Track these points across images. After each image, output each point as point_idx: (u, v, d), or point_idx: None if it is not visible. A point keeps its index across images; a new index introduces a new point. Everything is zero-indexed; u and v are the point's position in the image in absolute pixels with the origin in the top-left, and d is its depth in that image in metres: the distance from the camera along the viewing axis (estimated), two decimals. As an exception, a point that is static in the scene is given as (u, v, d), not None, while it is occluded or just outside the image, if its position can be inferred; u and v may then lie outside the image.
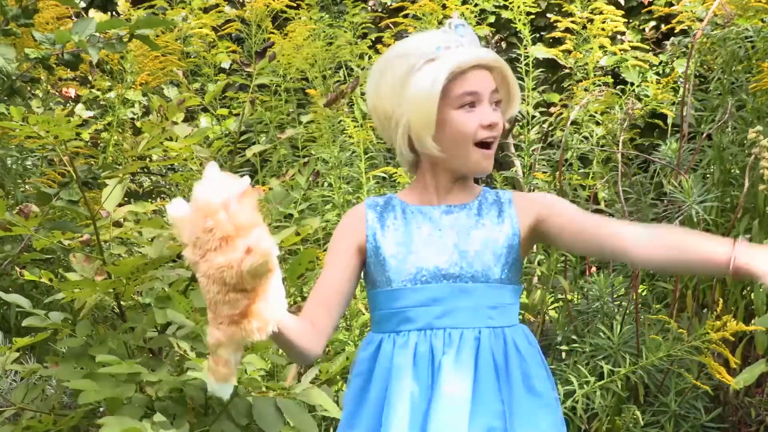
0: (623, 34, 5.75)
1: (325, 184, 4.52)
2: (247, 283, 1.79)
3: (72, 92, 5.36)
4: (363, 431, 2.17)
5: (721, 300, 3.57)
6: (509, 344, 2.15)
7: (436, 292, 2.15)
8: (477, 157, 2.16)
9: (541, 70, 4.84)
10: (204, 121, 5.22)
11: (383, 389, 2.16)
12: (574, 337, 3.82)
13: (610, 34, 4.61)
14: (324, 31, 5.01)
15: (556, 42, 5.04)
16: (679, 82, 4.43)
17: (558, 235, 2.20)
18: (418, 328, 2.16)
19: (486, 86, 2.16)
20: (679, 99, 4.18)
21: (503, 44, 6.12)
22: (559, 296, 4.11)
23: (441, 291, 2.15)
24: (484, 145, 2.16)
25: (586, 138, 4.38)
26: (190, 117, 5.27)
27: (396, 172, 4.19)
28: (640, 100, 4.49)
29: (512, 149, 4.60)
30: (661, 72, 5.22)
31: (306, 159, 4.55)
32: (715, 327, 3.27)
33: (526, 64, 4.54)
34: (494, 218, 2.19)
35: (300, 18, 4.99)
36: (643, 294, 3.93)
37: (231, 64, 5.72)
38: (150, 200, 4.95)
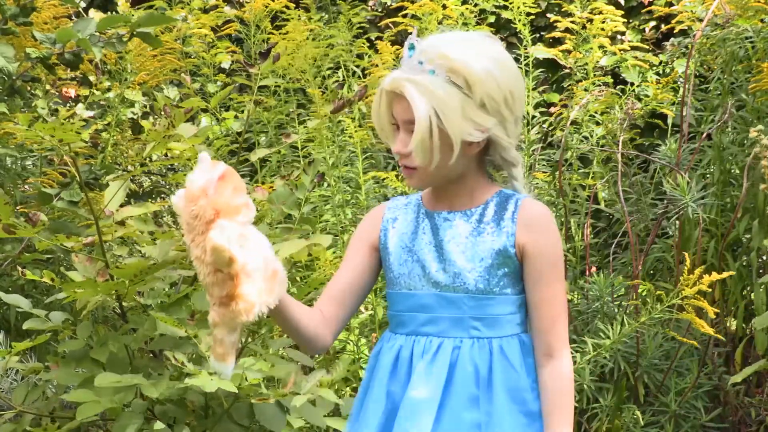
0: (623, 34, 5.75)
1: (324, 184, 4.52)
2: (222, 270, 1.85)
3: (72, 92, 5.35)
4: (364, 424, 2.20)
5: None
6: (495, 355, 2.13)
7: (424, 299, 2.17)
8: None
9: (541, 70, 4.85)
10: (204, 120, 5.22)
11: None
12: (574, 337, 3.82)
13: (609, 34, 4.62)
14: (322, 31, 5.00)
15: (556, 42, 5.04)
16: (679, 82, 4.43)
17: (524, 276, 2.17)
18: (407, 333, 2.19)
19: (398, 113, 2.12)
20: (679, 99, 4.18)
21: (503, 44, 6.11)
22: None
23: (428, 299, 2.16)
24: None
25: (586, 138, 4.39)
26: (191, 117, 5.27)
27: (387, 177, 4.19)
28: (640, 100, 4.49)
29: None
30: (661, 72, 5.22)
31: (311, 159, 4.56)
32: (690, 281, 3.26)
33: (526, 64, 4.55)
34: (493, 226, 2.15)
35: (299, 18, 4.98)
36: (643, 294, 3.93)
37: (231, 65, 5.71)
38: (150, 200, 4.94)
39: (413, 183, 2.17)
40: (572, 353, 3.85)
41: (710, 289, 3.35)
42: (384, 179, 4.24)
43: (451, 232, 2.16)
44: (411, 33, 2.16)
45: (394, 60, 4.58)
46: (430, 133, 2.07)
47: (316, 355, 4.19)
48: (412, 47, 2.13)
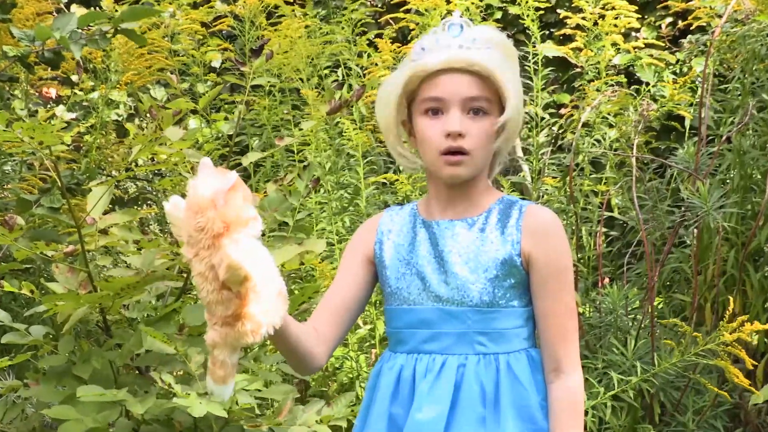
0: (637, 30, 5.76)
1: (321, 189, 4.52)
2: (233, 287, 1.82)
3: (53, 93, 5.35)
4: None
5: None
6: (503, 372, 2.12)
7: (424, 314, 2.15)
8: (442, 165, 2.13)
9: (550, 69, 4.85)
10: (193, 123, 5.21)
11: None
12: (586, 353, 3.82)
13: (623, 30, 4.62)
14: (320, 28, 5.00)
15: (567, 39, 5.04)
16: (696, 82, 4.44)
17: (530, 285, 2.17)
18: (407, 351, 2.18)
19: (455, 91, 2.11)
20: (697, 100, 4.19)
21: (510, 41, 6.12)
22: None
23: (430, 314, 2.15)
24: (450, 153, 2.13)
25: (598, 141, 4.39)
26: (179, 119, 5.27)
27: (398, 179, 4.19)
28: (655, 101, 4.49)
29: (520, 153, 4.61)
30: (677, 71, 5.22)
31: (306, 163, 4.55)
32: (729, 328, 3.26)
33: (535, 63, 4.55)
34: (497, 235, 2.14)
35: (295, 14, 4.98)
36: (659, 307, 3.93)
37: (222, 63, 5.71)
38: (136, 207, 4.94)
39: (461, 172, 2.13)
40: (585, 371, 3.85)
41: (751, 339, 3.33)
42: (392, 182, 4.24)
43: (452, 241, 2.15)
44: (448, 19, 2.18)
45: (394, 59, 4.58)
46: (522, 105, 2.14)
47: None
48: (460, 26, 2.15)
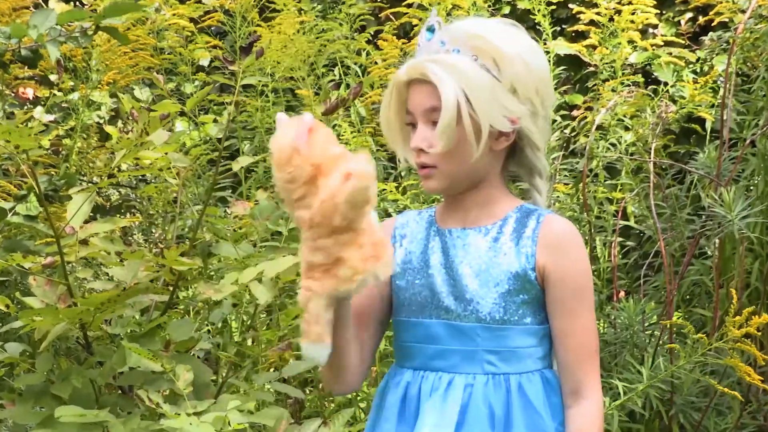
0: (655, 27, 5.76)
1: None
2: (344, 217, 1.86)
3: (30, 93, 5.36)
4: None
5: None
6: (514, 394, 2.12)
7: (432, 328, 2.15)
8: (421, 180, 2.17)
9: (562, 68, 4.85)
10: (179, 125, 5.21)
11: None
12: (600, 371, 3.81)
13: (640, 27, 4.62)
14: (317, 24, 5.00)
15: (580, 36, 5.05)
16: (718, 82, 4.44)
17: (546, 303, 2.16)
18: (414, 367, 2.18)
19: (417, 104, 2.13)
20: (719, 101, 4.19)
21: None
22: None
23: (438, 328, 2.15)
24: (421, 167, 2.15)
25: (613, 145, 4.38)
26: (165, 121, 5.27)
27: (386, 189, 4.19)
28: (674, 102, 4.50)
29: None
30: (698, 70, 5.23)
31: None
32: (736, 323, 3.24)
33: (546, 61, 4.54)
34: (511, 246, 2.13)
35: (289, 9, 4.98)
36: (679, 322, 3.93)
37: (211, 62, 5.72)
38: (119, 215, 4.94)
39: (432, 185, 2.15)
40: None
41: (759, 333, 3.32)
42: (383, 191, 4.24)
43: (464, 252, 2.14)
44: (425, 20, 2.17)
45: (399, 56, 4.58)
46: (458, 117, 2.06)
47: (307, 392, 4.18)
48: (431, 29, 2.14)
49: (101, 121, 5.20)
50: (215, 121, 4.90)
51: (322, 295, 1.91)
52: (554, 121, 4.52)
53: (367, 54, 5.01)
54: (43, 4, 5.42)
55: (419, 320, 2.16)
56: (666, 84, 4.61)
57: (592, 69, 4.69)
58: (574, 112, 4.92)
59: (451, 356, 2.13)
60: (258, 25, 4.97)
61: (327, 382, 2.21)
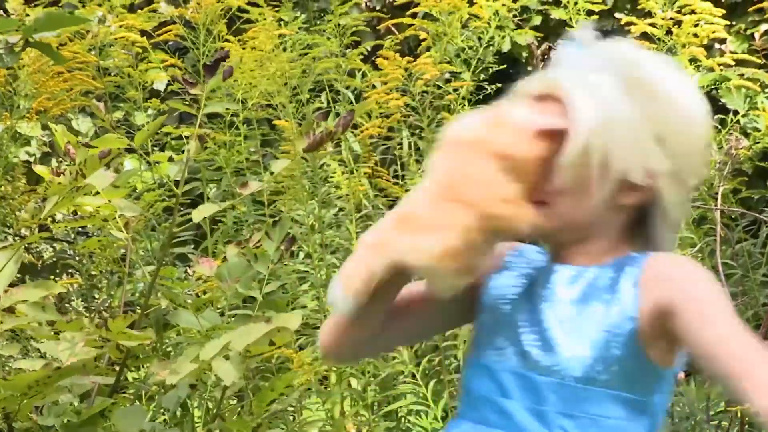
0: (723, 42, 5.81)
1: (300, 254, 4.54)
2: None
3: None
4: None
5: None
6: None
7: (500, 378, 2.17)
8: None
9: (607, 91, 4.88)
10: (129, 164, 5.23)
11: None
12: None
13: (705, 42, 4.65)
14: (300, 39, 5.03)
15: (629, 53, 5.07)
16: (802, 110, 4.47)
17: (681, 338, 2.06)
18: (475, 420, 2.18)
19: None
20: (803, 134, 4.22)
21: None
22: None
23: (506, 379, 2.17)
24: None
25: (671, 189, 4.41)
26: (109, 160, 5.30)
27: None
28: (747, 135, 4.53)
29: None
30: (776, 96, 5.27)
31: (277, 218, 4.57)
32: None
33: (586, 85, 4.58)
34: (608, 293, 2.11)
35: (266, 19, 5.00)
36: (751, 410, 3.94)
37: (168, 85, 5.74)
38: (53, 277, 4.97)
39: (538, 223, 2.10)
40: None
41: None
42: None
43: (551, 292, 2.17)
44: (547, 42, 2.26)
45: (403, 78, 4.58)
46: (588, 151, 2.09)
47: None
48: (575, 42, 2.19)
49: (31, 159, 5.24)
50: (172, 159, 4.92)
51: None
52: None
53: (363, 75, 5.03)
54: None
55: (489, 365, 2.18)
56: (736, 113, 4.64)
57: (644, 93, 4.72)
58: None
59: (517, 415, 2.11)
60: (226, 40, 4.98)
61: (324, 334, 2.23)
